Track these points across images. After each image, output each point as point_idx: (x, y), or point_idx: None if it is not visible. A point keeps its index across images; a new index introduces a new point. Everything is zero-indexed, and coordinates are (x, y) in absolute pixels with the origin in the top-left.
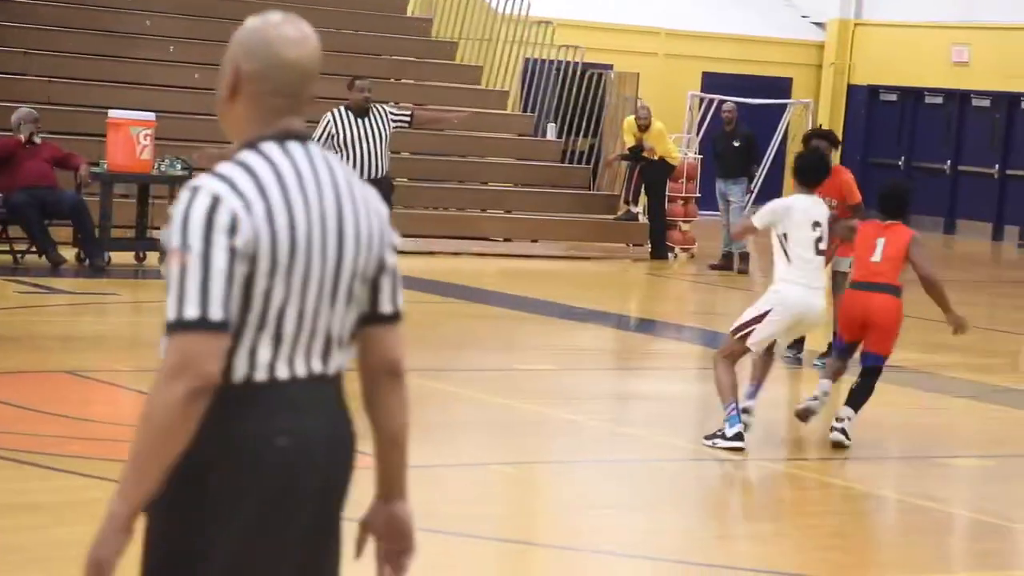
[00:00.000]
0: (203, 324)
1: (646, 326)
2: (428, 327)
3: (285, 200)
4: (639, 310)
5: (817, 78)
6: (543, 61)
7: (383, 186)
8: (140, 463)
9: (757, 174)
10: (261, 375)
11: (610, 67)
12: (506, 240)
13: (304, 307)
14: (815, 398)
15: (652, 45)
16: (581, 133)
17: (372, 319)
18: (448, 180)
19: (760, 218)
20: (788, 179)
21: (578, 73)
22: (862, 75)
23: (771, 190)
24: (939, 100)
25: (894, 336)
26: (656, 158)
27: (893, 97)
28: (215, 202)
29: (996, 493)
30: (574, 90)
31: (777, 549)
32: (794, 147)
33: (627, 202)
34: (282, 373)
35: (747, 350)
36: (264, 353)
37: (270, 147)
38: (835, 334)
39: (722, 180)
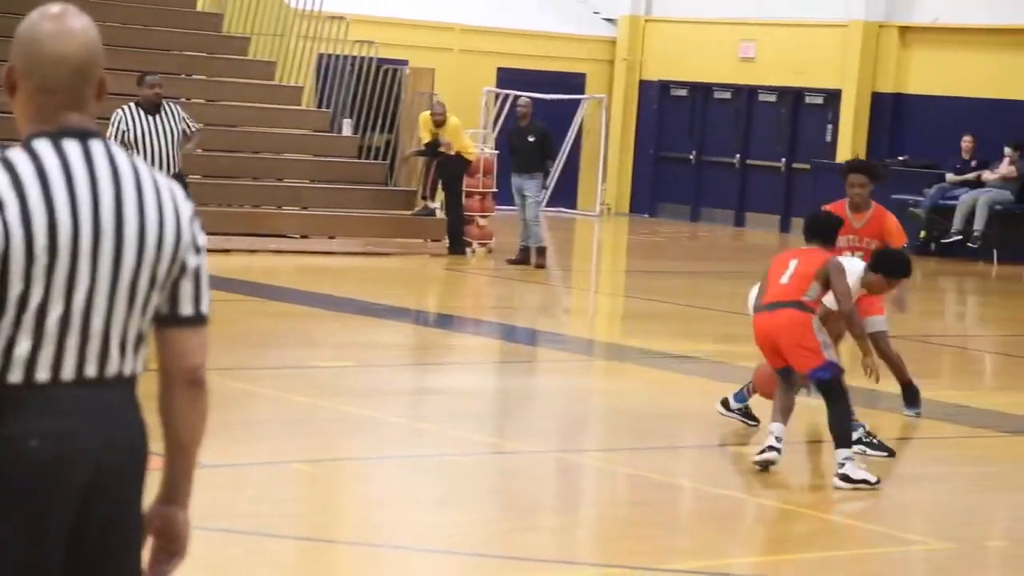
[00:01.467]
0: None
1: (444, 321)
2: (225, 325)
3: (46, 199)
4: (437, 306)
5: (610, 73)
6: (338, 57)
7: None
8: None
9: (552, 169)
10: (16, 376)
11: (405, 63)
12: (303, 237)
13: (71, 309)
14: (770, 447)
15: (447, 41)
16: (377, 129)
17: (171, 321)
18: (243, 177)
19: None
20: (584, 172)
21: (373, 69)
22: (653, 70)
23: (566, 184)
24: (728, 95)
25: (809, 347)
26: (452, 153)
27: (684, 92)
28: None
29: (787, 480)
30: (369, 86)
31: (576, 540)
32: (588, 142)
33: (424, 198)
34: (42, 376)
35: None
36: (20, 354)
37: (41, 144)
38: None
39: (517, 175)
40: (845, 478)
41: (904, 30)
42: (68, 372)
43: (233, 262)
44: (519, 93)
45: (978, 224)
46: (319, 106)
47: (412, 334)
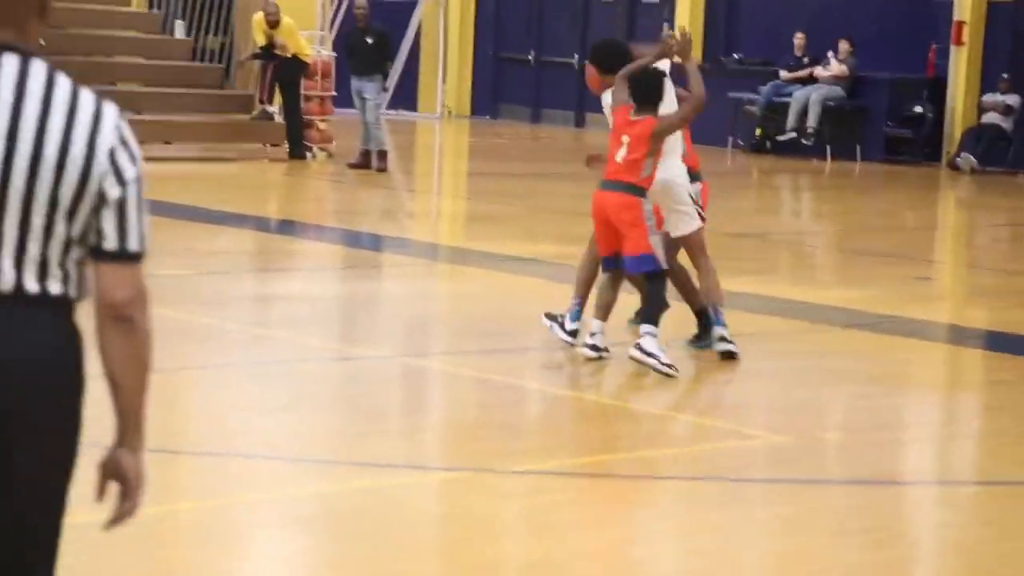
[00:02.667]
0: None
1: (286, 227)
2: None
3: None
4: (278, 211)
5: None
6: None
7: None
8: None
9: (392, 71)
10: None
11: None
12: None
13: None
14: (590, 345)
15: None
16: (211, 31)
17: (94, 255)
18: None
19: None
20: (424, 75)
21: None
22: None
23: (406, 86)
24: None
25: (641, 228)
26: (289, 56)
27: None
28: None
29: (626, 380)
30: None
31: (422, 444)
32: (427, 43)
33: (262, 102)
34: None
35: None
36: None
37: None
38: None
39: (356, 77)
40: (639, 347)
41: None
42: None
43: None
44: None
45: (811, 121)
46: (150, 7)
47: (253, 240)
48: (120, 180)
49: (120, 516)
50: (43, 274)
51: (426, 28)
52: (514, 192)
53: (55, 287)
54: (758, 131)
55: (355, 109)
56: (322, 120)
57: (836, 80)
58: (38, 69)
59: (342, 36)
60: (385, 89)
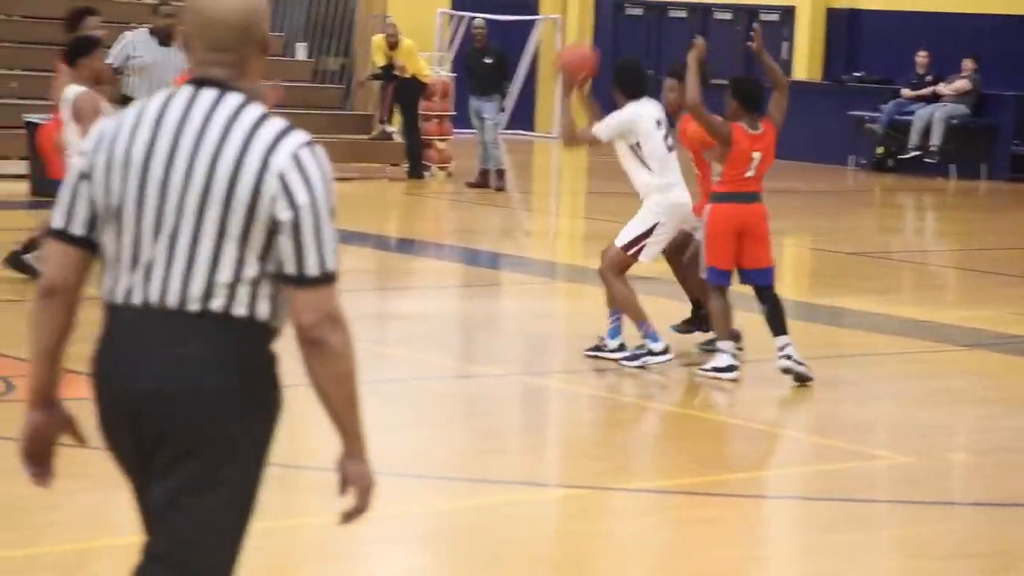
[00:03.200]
0: (50, 232)
1: (405, 245)
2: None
3: (132, 133)
4: (398, 230)
5: None
6: None
7: None
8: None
9: (509, 91)
10: (105, 295)
11: None
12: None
13: (140, 241)
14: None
15: None
16: (331, 52)
17: (283, 280)
18: None
19: (605, 130)
20: (541, 94)
21: None
22: None
23: (524, 106)
24: (683, 14)
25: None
26: (408, 76)
27: (639, 11)
28: (96, 130)
29: (747, 398)
30: (322, 9)
31: (541, 461)
32: (544, 63)
33: (382, 121)
34: (118, 299)
35: (633, 263)
36: (109, 277)
37: (167, 91)
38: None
39: (475, 97)
40: (790, 358)
41: None
42: (136, 297)
43: None
44: (474, 15)
45: (935, 139)
46: (272, 30)
47: (373, 258)
48: (291, 204)
49: (349, 515)
50: (216, 293)
51: (544, 48)
52: (631, 210)
53: (230, 306)
54: (880, 149)
55: (473, 129)
56: (441, 140)
57: (960, 98)
58: (231, 101)
59: (460, 56)
60: (503, 109)
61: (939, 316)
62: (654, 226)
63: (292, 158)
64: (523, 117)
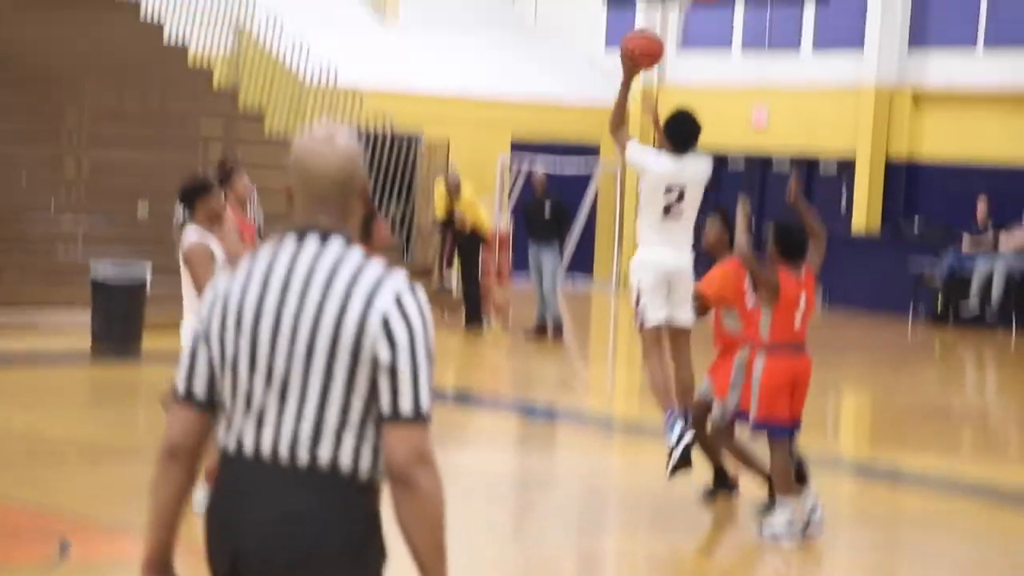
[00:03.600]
0: (174, 395)
1: (463, 397)
2: None
3: (243, 289)
4: (455, 380)
5: None
6: (353, 129)
7: None
8: (147, 518)
9: (568, 240)
10: (221, 444)
11: (420, 135)
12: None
13: (252, 392)
14: (811, 514)
15: (461, 112)
16: (393, 201)
17: (378, 418)
18: None
19: (629, 153)
20: (600, 245)
21: (388, 141)
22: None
23: (583, 255)
24: (741, 165)
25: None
26: (468, 226)
27: None
28: (212, 292)
29: (805, 560)
30: (385, 158)
31: None
32: (604, 213)
33: (441, 270)
34: (231, 447)
35: (659, 335)
36: (224, 427)
37: (271, 243)
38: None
39: (534, 247)
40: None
41: (916, 95)
42: (248, 447)
43: None
44: (534, 163)
45: (995, 292)
46: None
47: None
48: (392, 345)
49: None
50: (324, 443)
51: (602, 199)
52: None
53: (337, 457)
54: (940, 301)
55: (532, 278)
56: (499, 289)
57: (1021, 250)
58: (334, 246)
59: (520, 206)
60: (562, 258)
61: (1002, 476)
62: (638, 291)
63: (394, 300)
64: (582, 266)
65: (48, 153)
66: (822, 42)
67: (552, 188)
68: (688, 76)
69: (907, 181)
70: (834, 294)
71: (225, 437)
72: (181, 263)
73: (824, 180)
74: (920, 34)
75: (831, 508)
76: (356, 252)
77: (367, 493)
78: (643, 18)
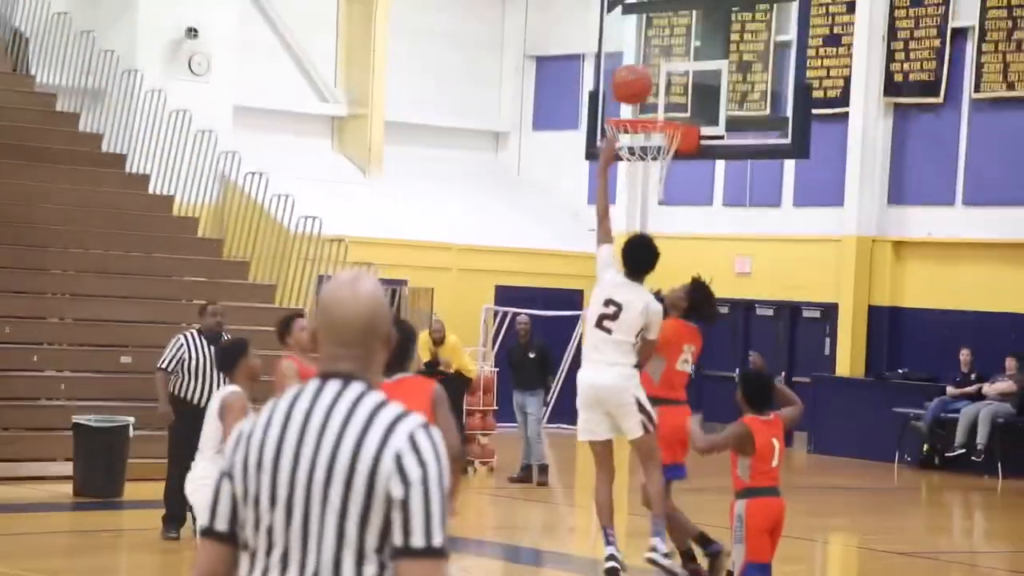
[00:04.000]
0: (203, 530)
1: (449, 541)
2: None
3: (263, 435)
4: None
5: None
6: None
7: None
8: None
9: (553, 385)
10: None
11: (404, 282)
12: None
13: (273, 532)
14: None
15: (445, 260)
16: None
17: (392, 552)
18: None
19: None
20: None
21: None
22: (650, 286)
23: (567, 400)
24: (725, 309)
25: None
26: (452, 372)
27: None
28: (237, 433)
29: None
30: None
31: None
32: None
33: None
34: None
35: (601, 450)
36: (248, 562)
37: (299, 388)
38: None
39: (519, 392)
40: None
41: (897, 244)
42: None
43: None
44: (518, 310)
45: (981, 438)
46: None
47: None
48: (404, 481)
49: None
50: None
51: None
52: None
53: None
54: (925, 447)
55: (516, 423)
56: (484, 434)
57: (1005, 397)
58: (354, 389)
59: (504, 351)
60: (547, 403)
61: None
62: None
63: (408, 439)
64: (566, 412)
65: (32, 309)
66: (802, 200)
67: (536, 334)
68: (671, 227)
69: (890, 327)
70: (819, 439)
71: (250, 573)
72: (213, 412)
73: (807, 324)
74: (899, 193)
75: None
76: (375, 395)
77: None
78: (624, 174)
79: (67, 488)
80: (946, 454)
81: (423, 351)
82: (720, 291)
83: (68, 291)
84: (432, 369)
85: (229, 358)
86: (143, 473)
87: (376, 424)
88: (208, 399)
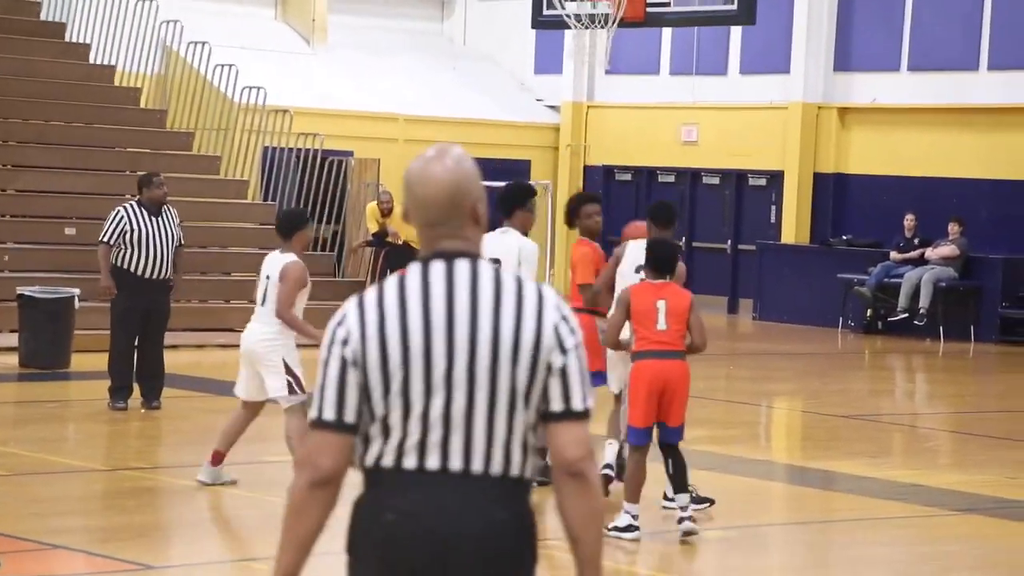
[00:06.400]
0: (319, 423)
1: None
2: (173, 421)
3: (402, 317)
4: None
5: (554, 160)
6: (282, 149)
7: (166, 288)
8: (281, 543)
9: None
10: (388, 462)
11: (351, 154)
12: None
13: (430, 410)
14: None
15: (392, 131)
16: (324, 220)
17: (546, 417)
18: (190, 272)
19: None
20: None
21: (318, 161)
22: (597, 156)
23: None
24: (672, 178)
25: (686, 403)
26: (400, 242)
27: (628, 176)
28: (340, 320)
29: (738, 564)
30: (315, 178)
31: None
32: (535, 228)
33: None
34: (409, 463)
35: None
36: (392, 445)
37: (412, 268)
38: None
39: None
40: (691, 532)
41: (843, 111)
42: (433, 462)
43: (181, 358)
44: None
45: (923, 301)
46: (265, 199)
47: None
48: (563, 350)
49: None
50: (507, 452)
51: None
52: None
53: (511, 465)
54: (869, 312)
55: None
56: None
57: (947, 261)
58: (484, 269)
59: None
60: None
61: (931, 480)
62: None
63: (557, 309)
64: None
65: None
66: (748, 67)
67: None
68: (618, 96)
69: (835, 194)
70: (765, 306)
71: (396, 459)
72: (273, 278)
73: (753, 192)
74: (845, 58)
75: (765, 513)
76: (506, 273)
77: (528, 496)
78: (571, 43)
79: (13, 359)
80: (889, 318)
81: (371, 222)
82: (667, 160)
83: (10, 162)
84: (381, 240)
85: (289, 225)
86: (89, 345)
87: (526, 299)
88: (153, 270)
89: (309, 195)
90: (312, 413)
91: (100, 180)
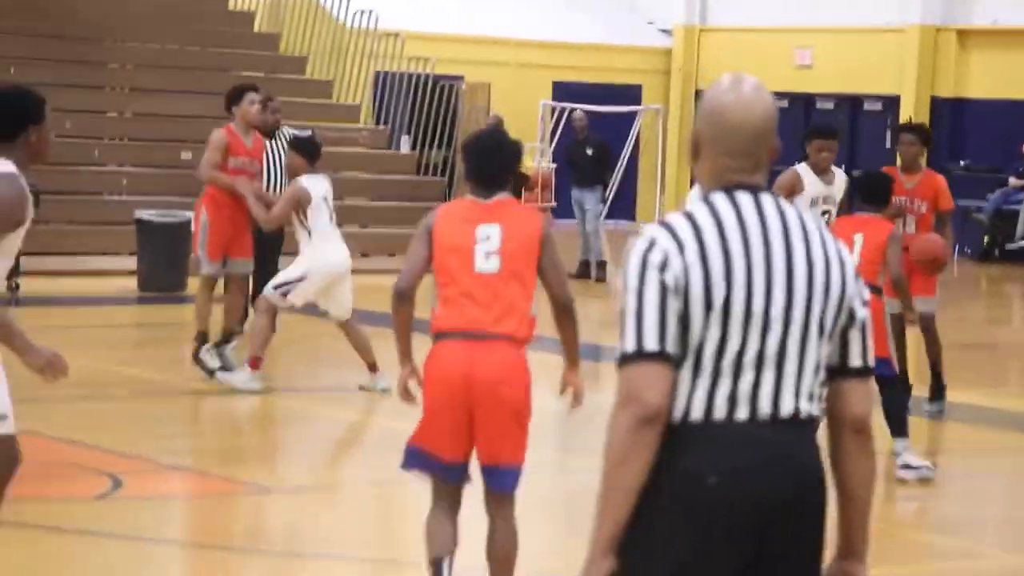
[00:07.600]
0: (640, 355)
1: None
2: (288, 344)
3: (722, 245)
4: None
5: (666, 84)
6: (394, 74)
7: None
8: (605, 491)
9: (611, 181)
10: (697, 415)
11: (461, 78)
12: (363, 255)
13: (745, 352)
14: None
15: (502, 55)
16: (435, 145)
17: (840, 372)
18: None
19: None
20: (643, 185)
21: (430, 85)
22: (709, 80)
23: (626, 196)
24: (785, 103)
25: (881, 337)
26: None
27: None
28: (651, 244)
29: None
30: (426, 102)
31: None
32: (646, 154)
33: None
34: (719, 415)
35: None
36: (700, 393)
37: (717, 198)
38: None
39: (577, 188)
40: (907, 466)
41: (962, 33)
42: (742, 412)
43: None
44: (575, 106)
45: None
46: (377, 124)
47: None
48: (864, 302)
49: None
50: (811, 395)
51: (645, 139)
52: None
53: (814, 408)
54: (986, 239)
55: (575, 219)
56: None
57: None
58: (787, 206)
59: (562, 147)
60: (605, 200)
61: None
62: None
63: (848, 255)
64: (624, 207)
65: (92, 103)
66: None
67: (594, 130)
68: (730, 18)
69: (952, 119)
70: None
71: (695, 407)
72: (329, 196)
73: (869, 116)
74: None
75: (878, 441)
76: (807, 213)
77: (816, 433)
78: None
79: (132, 282)
80: (1007, 245)
81: None
82: (781, 84)
83: (127, 85)
84: None
85: (315, 150)
86: None
87: (828, 243)
88: (270, 188)
89: (420, 119)
90: (628, 344)
91: (215, 104)
